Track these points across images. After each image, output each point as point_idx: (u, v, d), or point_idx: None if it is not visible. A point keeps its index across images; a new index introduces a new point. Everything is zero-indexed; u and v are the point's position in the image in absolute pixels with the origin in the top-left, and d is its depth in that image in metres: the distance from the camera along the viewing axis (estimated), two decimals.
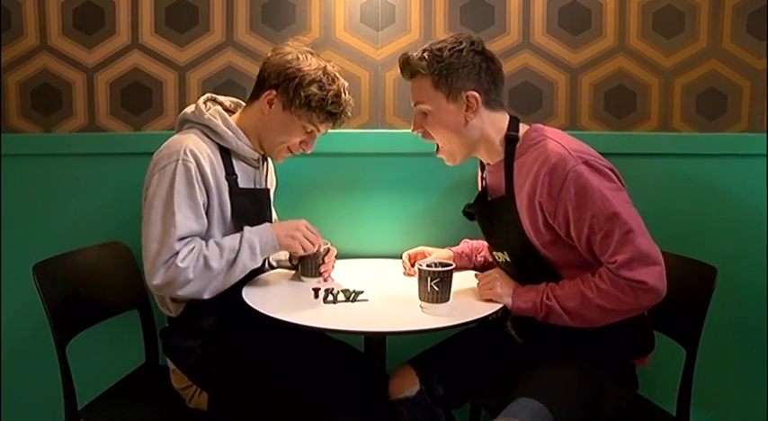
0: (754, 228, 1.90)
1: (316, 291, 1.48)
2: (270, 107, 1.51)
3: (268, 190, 1.68)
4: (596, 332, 1.35)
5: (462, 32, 1.46)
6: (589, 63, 1.91)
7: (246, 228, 1.48)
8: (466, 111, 1.41)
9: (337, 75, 1.53)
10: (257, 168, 1.63)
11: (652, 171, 1.89)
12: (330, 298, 1.43)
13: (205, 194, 1.47)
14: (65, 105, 1.96)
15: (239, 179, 1.54)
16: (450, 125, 1.43)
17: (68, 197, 1.96)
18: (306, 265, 1.58)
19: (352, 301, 1.42)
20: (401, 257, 1.71)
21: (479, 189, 1.62)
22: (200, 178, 1.44)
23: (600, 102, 1.92)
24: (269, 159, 1.71)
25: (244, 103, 1.61)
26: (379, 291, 1.49)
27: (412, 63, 1.43)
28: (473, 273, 1.63)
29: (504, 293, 1.39)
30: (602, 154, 1.40)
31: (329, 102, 1.49)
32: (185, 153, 1.43)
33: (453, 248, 1.72)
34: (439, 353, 1.59)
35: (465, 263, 1.70)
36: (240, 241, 1.45)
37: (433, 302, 1.34)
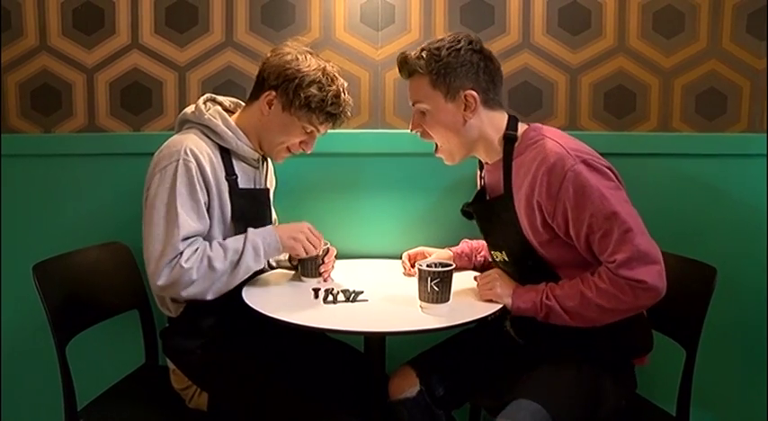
0: (754, 228, 1.90)
1: (316, 291, 1.48)
2: (269, 108, 1.51)
3: (268, 190, 1.68)
4: (595, 332, 1.35)
5: (460, 31, 1.46)
6: (589, 63, 1.91)
7: (250, 230, 1.48)
8: (464, 110, 1.41)
9: (336, 75, 1.53)
10: (257, 168, 1.63)
11: (652, 171, 1.89)
12: (330, 298, 1.43)
13: (206, 194, 1.47)
14: (64, 105, 1.96)
15: (239, 179, 1.54)
16: (449, 124, 1.43)
17: (68, 197, 1.96)
18: (306, 266, 1.58)
19: (351, 302, 1.42)
20: (401, 257, 1.71)
21: (478, 188, 1.62)
22: (200, 178, 1.44)
23: (600, 102, 1.92)
24: (269, 159, 1.71)
25: (243, 104, 1.61)
26: (378, 291, 1.49)
27: (410, 62, 1.43)
28: (473, 273, 1.63)
29: (504, 294, 1.39)
30: (601, 154, 1.40)
31: (329, 102, 1.49)
32: (186, 153, 1.43)
33: (453, 248, 1.72)
34: (439, 353, 1.59)
35: (465, 263, 1.70)
36: (244, 242, 1.45)
37: (432, 302, 1.33)
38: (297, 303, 1.43)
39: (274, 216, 1.75)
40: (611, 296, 1.28)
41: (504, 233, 1.46)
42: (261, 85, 1.53)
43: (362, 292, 1.45)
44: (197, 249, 1.41)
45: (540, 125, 1.45)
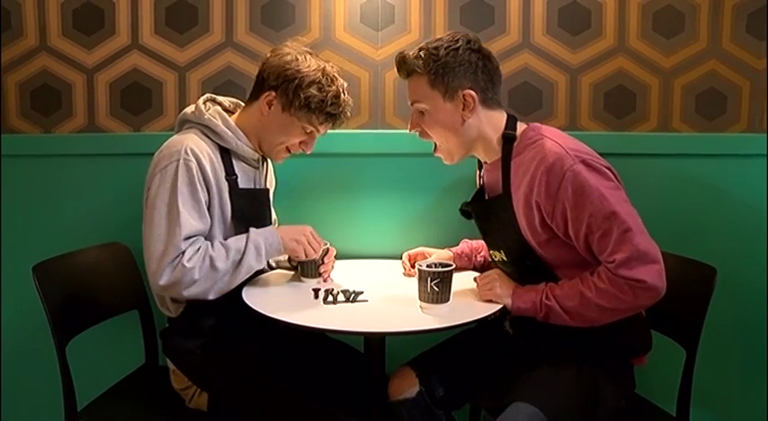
0: (754, 228, 1.90)
1: (316, 291, 1.48)
2: (269, 108, 1.51)
3: (268, 190, 1.68)
4: (594, 332, 1.35)
5: (459, 31, 1.46)
6: (589, 63, 1.91)
7: (252, 230, 1.48)
8: (463, 109, 1.41)
9: (336, 75, 1.53)
10: (257, 169, 1.63)
11: (652, 171, 1.89)
12: (330, 298, 1.43)
13: (206, 193, 1.47)
14: (64, 106, 1.96)
15: (239, 179, 1.54)
16: (447, 124, 1.43)
17: (68, 198, 1.96)
18: (305, 266, 1.58)
19: (351, 302, 1.42)
20: (401, 258, 1.71)
21: (477, 187, 1.62)
22: (201, 177, 1.45)
23: (600, 102, 1.92)
24: (269, 160, 1.71)
25: (243, 104, 1.61)
26: (378, 291, 1.49)
27: (408, 62, 1.43)
28: (473, 273, 1.62)
29: (504, 294, 1.39)
30: (601, 154, 1.40)
31: (328, 103, 1.49)
32: (186, 152, 1.43)
33: (453, 249, 1.72)
34: (439, 354, 1.59)
35: (465, 263, 1.70)
36: (246, 242, 1.45)
37: (432, 303, 1.33)
38: (297, 303, 1.43)
39: (274, 216, 1.75)
40: (611, 296, 1.28)
41: (502, 233, 1.46)
42: (261, 85, 1.53)
43: (362, 293, 1.45)
44: (199, 249, 1.41)
45: (538, 125, 1.45)
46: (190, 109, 1.56)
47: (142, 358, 1.78)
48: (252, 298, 1.45)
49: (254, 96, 1.55)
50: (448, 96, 1.41)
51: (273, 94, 1.50)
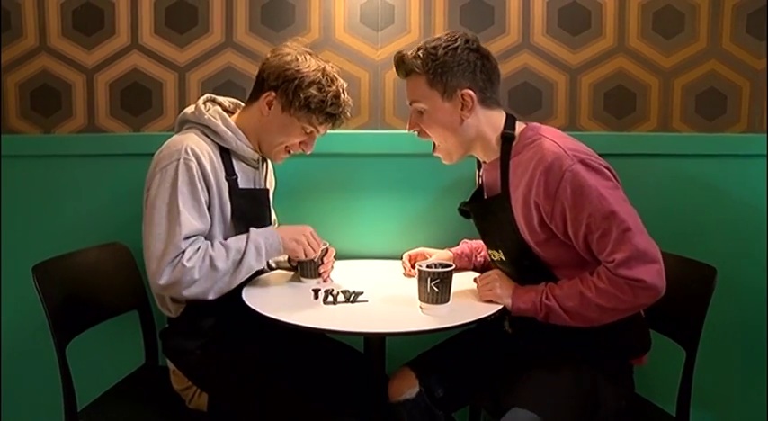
0: (754, 229, 1.90)
1: (315, 291, 1.48)
2: (269, 108, 1.51)
3: (267, 190, 1.68)
4: (594, 332, 1.35)
5: (457, 30, 1.46)
6: (589, 63, 1.91)
7: (252, 230, 1.48)
8: (461, 109, 1.41)
9: (336, 76, 1.53)
10: (257, 169, 1.63)
11: (652, 171, 1.89)
12: (330, 299, 1.43)
13: (206, 193, 1.47)
14: (64, 106, 1.96)
15: (239, 179, 1.54)
16: (446, 124, 1.43)
17: (68, 198, 1.96)
18: (305, 266, 1.58)
19: (351, 302, 1.42)
20: (401, 258, 1.71)
21: (477, 186, 1.62)
22: (201, 177, 1.45)
23: (599, 102, 1.92)
24: (268, 160, 1.71)
25: (243, 104, 1.61)
26: (378, 291, 1.49)
27: (406, 61, 1.43)
28: (473, 274, 1.62)
29: (504, 294, 1.39)
30: (601, 154, 1.40)
31: (328, 103, 1.49)
32: (186, 152, 1.43)
33: (453, 249, 1.72)
34: (438, 354, 1.59)
35: (465, 263, 1.70)
36: (246, 242, 1.45)
37: (432, 303, 1.33)
38: (297, 304, 1.43)
39: (274, 216, 1.75)
40: (611, 296, 1.28)
41: (500, 232, 1.46)
42: (261, 85, 1.53)
43: (362, 293, 1.45)
44: (199, 248, 1.41)
45: (537, 124, 1.45)
46: (190, 109, 1.56)
47: (142, 358, 1.78)
48: (252, 298, 1.45)
49: (253, 96, 1.55)
50: (446, 96, 1.41)
51: (273, 94, 1.50)
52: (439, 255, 1.67)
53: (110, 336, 1.86)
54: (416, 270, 1.35)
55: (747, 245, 1.90)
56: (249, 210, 1.55)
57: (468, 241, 1.75)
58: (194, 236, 1.43)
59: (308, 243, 1.52)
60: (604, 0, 1.88)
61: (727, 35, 1.88)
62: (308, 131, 1.54)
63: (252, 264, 1.45)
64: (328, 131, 1.59)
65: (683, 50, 1.89)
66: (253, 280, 1.58)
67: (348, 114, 1.56)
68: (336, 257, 1.68)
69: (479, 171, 1.59)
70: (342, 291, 1.45)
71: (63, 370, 1.47)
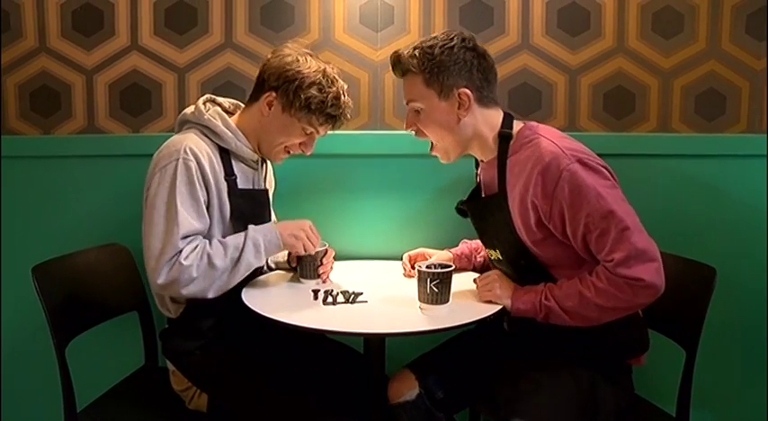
0: (754, 229, 1.90)
1: (315, 292, 1.48)
2: (269, 109, 1.52)
3: (267, 191, 1.68)
4: (592, 332, 1.35)
5: (453, 29, 1.45)
6: (588, 64, 1.91)
7: (250, 227, 1.48)
8: (458, 108, 1.41)
9: (336, 77, 1.53)
10: (256, 169, 1.63)
11: (651, 171, 1.89)
12: (329, 299, 1.43)
13: (206, 193, 1.47)
14: (64, 107, 1.96)
15: (238, 180, 1.54)
16: (443, 123, 1.43)
17: (67, 199, 1.96)
18: (304, 267, 1.58)
19: (351, 303, 1.42)
20: (400, 258, 1.71)
21: (474, 185, 1.62)
22: (200, 177, 1.45)
23: (599, 103, 1.92)
24: (268, 161, 1.71)
25: (243, 105, 1.61)
26: (378, 292, 1.49)
27: (403, 61, 1.43)
28: (473, 274, 1.62)
29: (504, 295, 1.39)
30: (600, 155, 1.40)
31: (329, 104, 1.49)
32: (186, 152, 1.44)
33: (452, 250, 1.72)
34: (438, 355, 1.59)
35: (465, 264, 1.70)
36: (244, 239, 1.45)
37: (432, 304, 1.33)
38: (296, 304, 1.43)
39: (273, 217, 1.75)
40: (610, 295, 1.28)
41: (497, 232, 1.46)
42: (261, 86, 1.53)
43: (362, 294, 1.45)
44: (196, 247, 1.41)
45: (535, 124, 1.45)
46: (189, 109, 1.56)
47: (142, 359, 1.78)
48: (251, 299, 1.45)
49: (254, 97, 1.55)
50: (443, 95, 1.41)
51: (274, 94, 1.50)
52: (439, 256, 1.67)
53: (109, 337, 1.86)
54: (416, 270, 1.35)
55: (747, 245, 1.90)
56: (248, 210, 1.55)
57: (468, 241, 1.75)
58: (192, 235, 1.43)
59: (307, 237, 1.51)
60: (604, 1, 1.88)
61: (727, 36, 1.88)
62: (308, 132, 1.54)
63: (251, 260, 1.45)
64: (328, 132, 1.58)
65: (683, 51, 1.90)
66: (252, 281, 1.58)
67: (348, 116, 1.56)
68: (336, 258, 1.68)
69: (477, 170, 1.59)
70: (341, 292, 1.45)
71: (63, 370, 1.46)
